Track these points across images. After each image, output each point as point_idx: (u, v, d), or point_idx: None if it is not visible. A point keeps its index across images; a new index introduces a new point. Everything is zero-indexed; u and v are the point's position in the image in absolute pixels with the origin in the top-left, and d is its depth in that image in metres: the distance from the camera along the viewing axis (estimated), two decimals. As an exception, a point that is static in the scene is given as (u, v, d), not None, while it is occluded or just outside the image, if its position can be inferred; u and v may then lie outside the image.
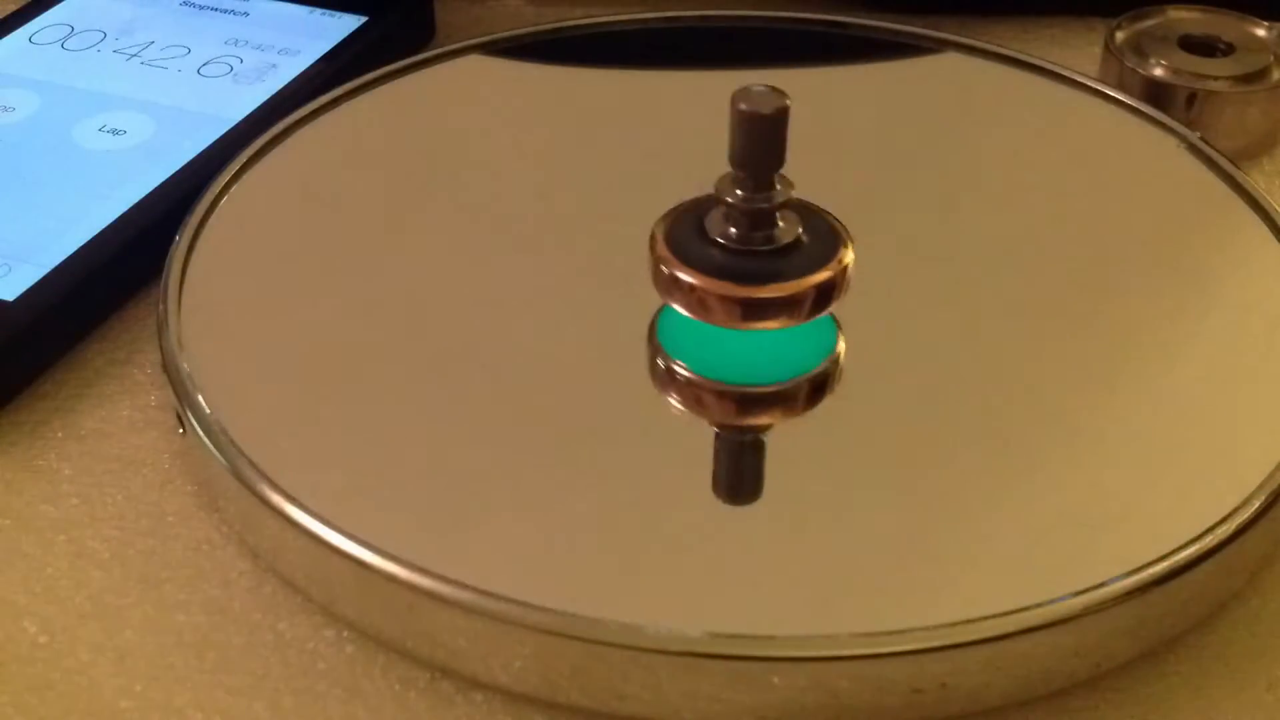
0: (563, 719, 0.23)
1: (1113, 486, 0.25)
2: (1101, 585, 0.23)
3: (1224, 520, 0.24)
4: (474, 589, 0.23)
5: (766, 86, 0.26)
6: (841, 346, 0.28)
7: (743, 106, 0.25)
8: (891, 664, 0.22)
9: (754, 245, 0.27)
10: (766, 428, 0.27)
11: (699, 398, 0.27)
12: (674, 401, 0.27)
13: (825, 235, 0.27)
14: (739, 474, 0.26)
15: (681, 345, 0.27)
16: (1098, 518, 0.25)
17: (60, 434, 0.28)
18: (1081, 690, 0.24)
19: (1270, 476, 0.25)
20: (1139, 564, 0.23)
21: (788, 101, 0.25)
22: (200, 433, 0.26)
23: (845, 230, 0.27)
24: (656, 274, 0.27)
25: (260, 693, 0.24)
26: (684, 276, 0.26)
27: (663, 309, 0.28)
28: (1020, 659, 0.23)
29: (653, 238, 0.27)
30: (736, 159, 0.26)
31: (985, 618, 0.22)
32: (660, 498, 0.25)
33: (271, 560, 0.26)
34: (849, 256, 0.27)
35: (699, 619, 0.23)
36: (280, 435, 0.26)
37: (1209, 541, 0.24)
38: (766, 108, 0.25)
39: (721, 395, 0.27)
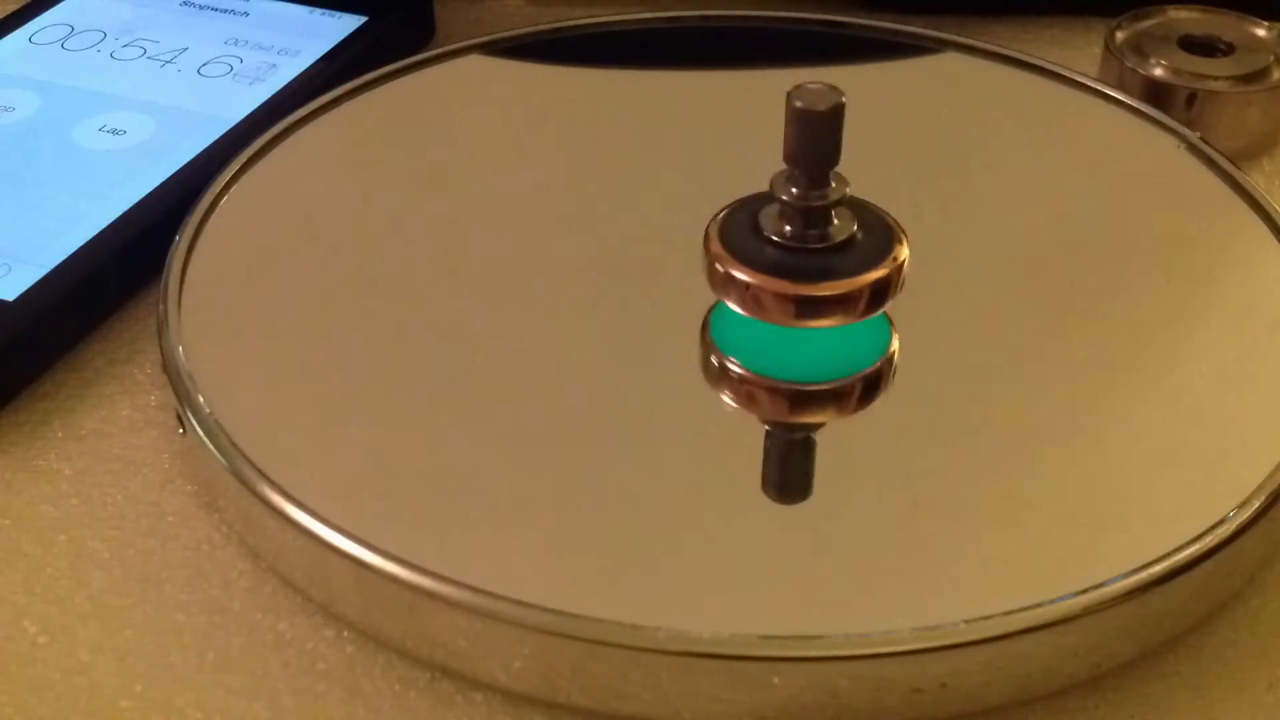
0: (563, 719, 0.23)
1: (1113, 486, 0.25)
2: (1101, 585, 0.23)
3: (1224, 520, 0.24)
4: (474, 589, 0.23)
5: (822, 84, 0.25)
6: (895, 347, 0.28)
7: (798, 103, 0.25)
8: (891, 664, 0.22)
9: (808, 243, 0.26)
10: (804, 426, 0.27)
11: (739, 391, 0.27)
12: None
13: (879, 232, 0.27)
14: (785, 471, 0.26)
15: (733, 340, 0.27)
16: (1098, 518, 0.25)
17: (60, 434, 0.28)
18: (1081, 690, 0.24)
19: (1270, 476, 0.25)
20: (1139, 564, 0.23)
21: (843, 98, 0.25)
22: (200, 433, 0.26)
23: (900, 227, 0.27)
24: (711, 271, 0.27)
25: (260, 693, 0.24)
26: (739, 274, 0.26)
27: (716, 305, 0.27)
28: (1020, 659, 0.23)
29: (706, 235, 0.27)
30: (791, 156, 0.26)
31: (985, 618, 0.22)
32: (659, 499, 0.25)
33: (271, 560, 0.25)
34: (904, 254, 0.26)
35: (699, 619, 0.23)
36: (280, 435, 0.26)
37: (1209, 541, 0.24)
38: (822, 104, 0.25)
39: (770, 390, 0.27)
